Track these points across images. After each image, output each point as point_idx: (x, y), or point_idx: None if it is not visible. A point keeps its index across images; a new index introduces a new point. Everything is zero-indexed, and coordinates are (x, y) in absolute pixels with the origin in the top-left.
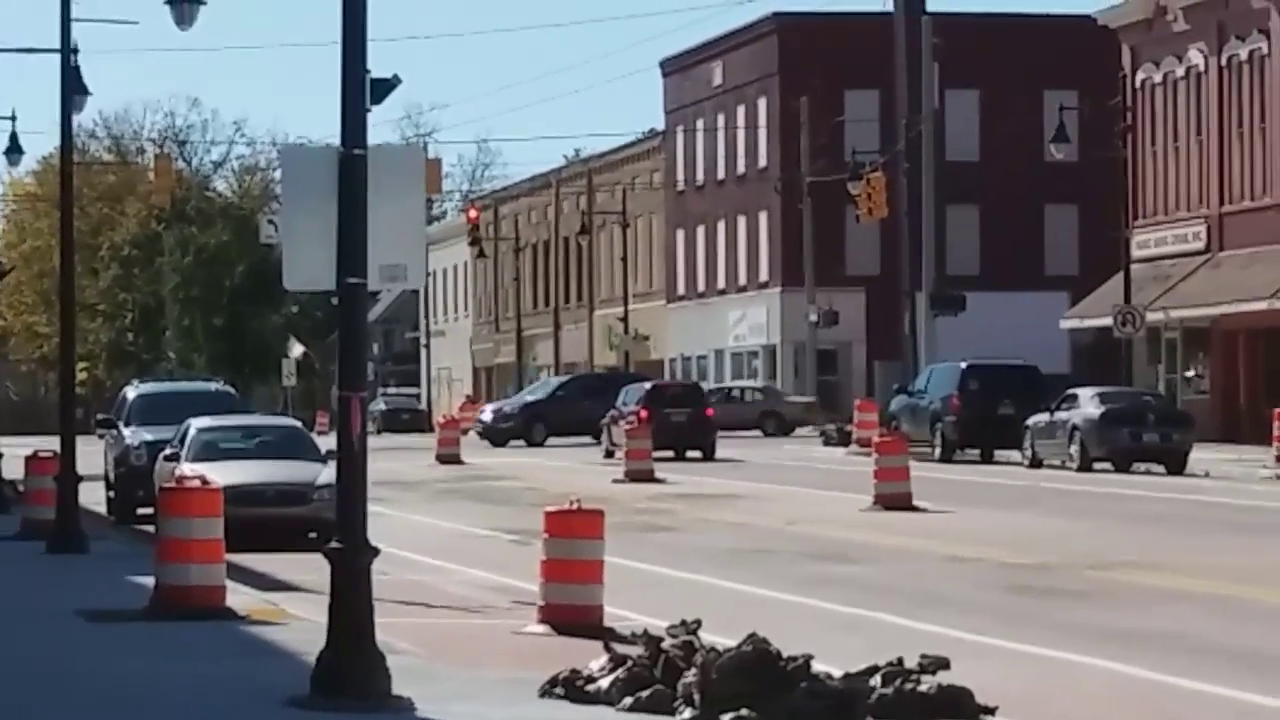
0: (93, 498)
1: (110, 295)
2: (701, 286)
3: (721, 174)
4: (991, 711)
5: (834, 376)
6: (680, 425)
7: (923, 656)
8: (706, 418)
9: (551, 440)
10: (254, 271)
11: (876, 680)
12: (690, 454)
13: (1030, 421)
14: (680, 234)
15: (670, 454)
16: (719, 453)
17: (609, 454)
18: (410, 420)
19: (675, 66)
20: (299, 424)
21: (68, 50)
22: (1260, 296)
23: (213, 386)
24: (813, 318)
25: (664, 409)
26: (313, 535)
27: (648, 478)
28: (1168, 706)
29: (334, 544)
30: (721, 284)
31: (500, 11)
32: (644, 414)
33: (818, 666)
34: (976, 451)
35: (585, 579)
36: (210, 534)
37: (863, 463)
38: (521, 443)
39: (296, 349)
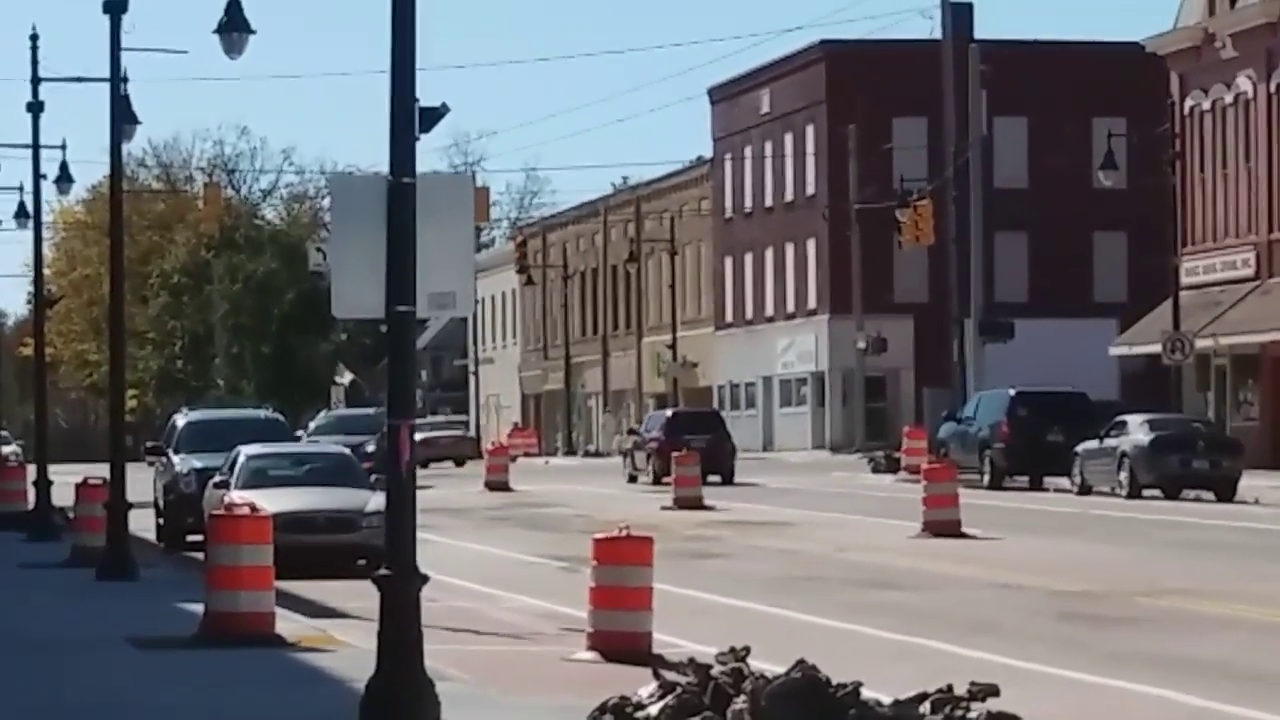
0: (142, 525)
1: (159, 323)
2: (750, 313)
3: (769, 201)
4: None
5: (882, 403)
6: (700, 450)
7: (972, 684)
8: (726, 443)
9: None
10: (302, 299)
11: (926, 708)
12: (711, 478)
13: (1079, 448)
14: (728, 261)
15: None
16: (764, 478)
17: (632, 479)
18: (449, 446)
19: (723, 94)
20: (348, 451)
21: (117, 79)
22: None
23: (262, 414)
24: (861, 345)
25: (684, 435)
26: (362, 562)
27: (696, 504)
28: None
29: (383, 571)
30: (770, 311)
31: (548, 40)
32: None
33: (867, 694)
34: (1025, 478)
35: (634, 606)
36: (260, 561)
37: (911, 489)
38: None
39: (346, 376)
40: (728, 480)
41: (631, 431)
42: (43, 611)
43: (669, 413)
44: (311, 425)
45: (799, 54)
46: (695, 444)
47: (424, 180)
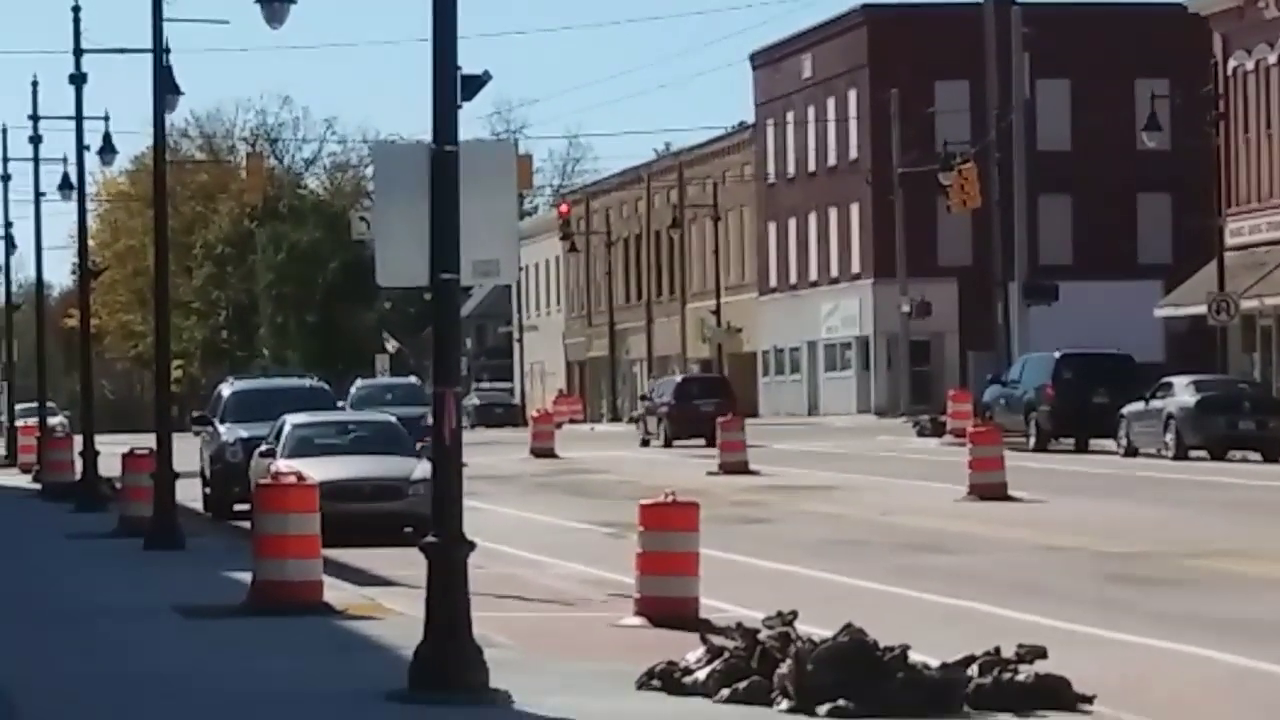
0: (189, 494)
1: (204, 293)
2: (793, 279)
3: (812, 166)
4: (1089, 700)
5: (927, 367)
6: (709, 414)
7: (1020, 646)
8: (734, 406)
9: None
10: (346, 268)
11: (974, 670)
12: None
13: (1125, 410)
14: (772, 226)
15: (701, 441)
16: (810, 443)
17: (644, 443)
18: (504, 414)
19: (765, 59)
20: (394, 419)
21: (160, 50)
22: None
23: (307, 383)
24: (905, 309)
25: (693, 400)
26: (408, 530)
27: (742, 469)
28: (1266, 695)
29: (430, 538)
30: (813, 276)
31: (589, 6)
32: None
33: (915, 657)
34: (1071, 441)
35: (681, 571)
36: (306, 530)
37: (957, 453)
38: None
39: (391, 344)
40: None
41: (644, 398)
42: (91, 581)
43: (679, 378)
44: (352, 392)
45: (840, 18)
46: (704, 408)
47: (467, 148)
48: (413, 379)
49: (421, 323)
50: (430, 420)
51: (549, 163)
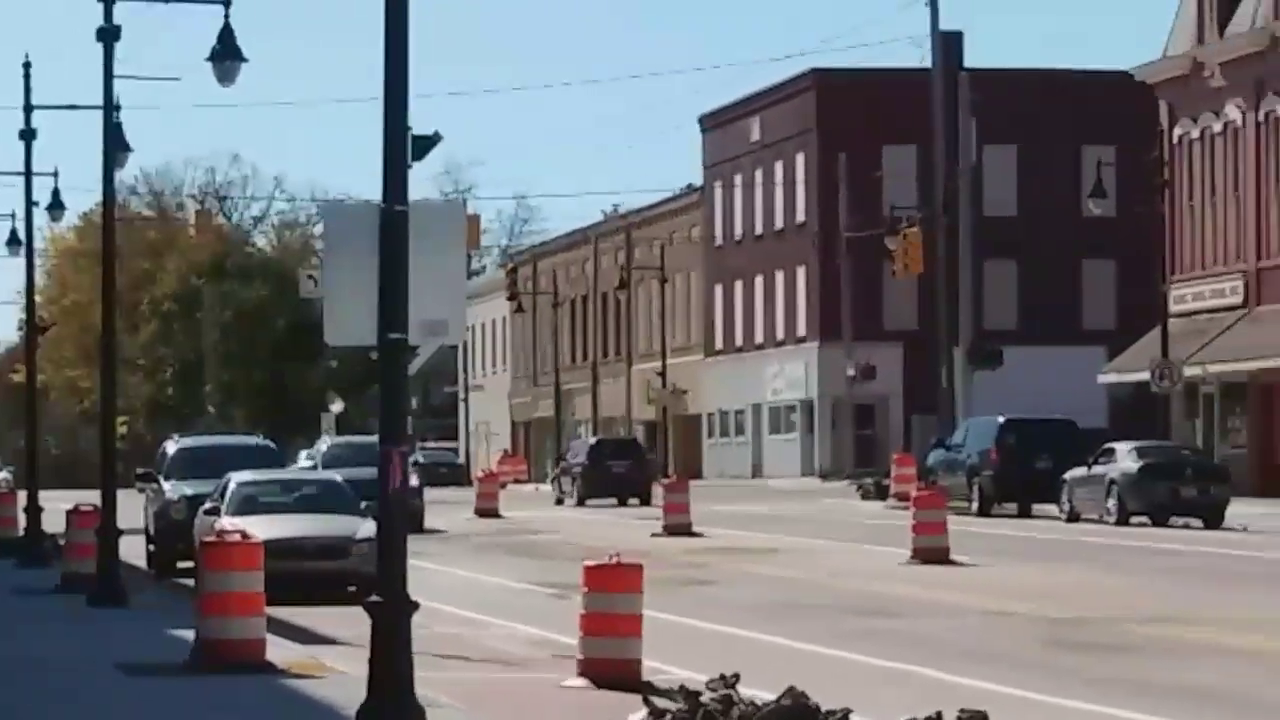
0: (133, 551)
1: (150, 350)
2: (739, 341)
3: (760, 229)
4: None
5: (871, 430)
6: (620, 475)
7: (962, 711)
8: (645, 467)
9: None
10: (293, 327)
11: None
12: (630, 500)
13: (1068, 475)
14: (718, 289)
15: (613, 500)
16: (753, 505)
17: (559, 501)
18: (449, 474)
19: (714, 122)
20: (339, 478)
21: (110, 107)
22: None
23: (253, 441)
24: (850, 372)
25: (606, 460)
26: (353, 589)
27: (686, 531)
28: None
29: (374, 598)
30: (759, 338)
31: (538, 68)
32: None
33: None
34: (1014, 505)
35: (625, 633)
36: (251, 587)
37: (900, 516)
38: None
39: (337, 404)
40: (645, 502)
41: (559, 458)
42: (33, 637)
43: (593, 440)
44: (318, 450)
45: (789, 82)
46: (616, 469)
47: (416, 208)
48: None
49: (368, 381)
50: (413, 481)
51: (497, 223)
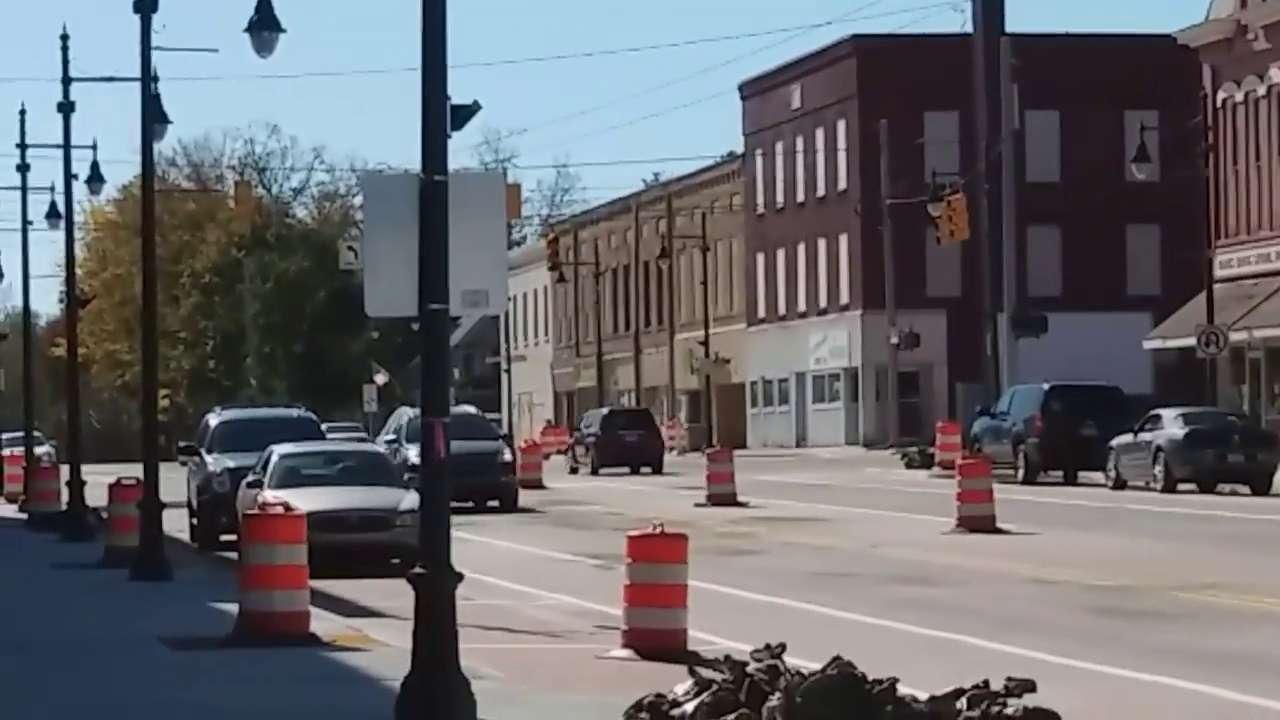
0: (176, 525)
1: (191, 322)
2: (782, 309)
3: (801, 196)
4: None
5: (915, 398)
6: (633, 444)
7: (1008, 679)
8: (656, 437)
9: None
10: (334, 298)
11: (963, 703)
12: (643, 469)
13: (1114, 443)
14: (760, 257)
15: (625, 469)
16: (797, 475)
17: (574, 470)
18: None
19: (754, 90)
20: (381, 450)
21: (148, 79)
22: None
23: (294, 413)
24: (894, 340)
25: (619, 431)
26: (396, 561)
27: (730, 501)
28: None
29: (417, 569)
30: (802, 307)
31: (578, 37)
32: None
33: (903, 690)
34: (1060, 473)
35: (669, 603)
36: (294, 560)
37: (945, 485)
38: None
39: (381, 375)
40: (657, 471)
41: (574, 429)
42: (77, 612)
43: (605, 411)
44: (400, 423)
45: (830, 49)
46: (629, 438)
47: (456, 178)
48: (470, 407)
49: (409, 353)
50: (505, 456)
51: (538, 192)
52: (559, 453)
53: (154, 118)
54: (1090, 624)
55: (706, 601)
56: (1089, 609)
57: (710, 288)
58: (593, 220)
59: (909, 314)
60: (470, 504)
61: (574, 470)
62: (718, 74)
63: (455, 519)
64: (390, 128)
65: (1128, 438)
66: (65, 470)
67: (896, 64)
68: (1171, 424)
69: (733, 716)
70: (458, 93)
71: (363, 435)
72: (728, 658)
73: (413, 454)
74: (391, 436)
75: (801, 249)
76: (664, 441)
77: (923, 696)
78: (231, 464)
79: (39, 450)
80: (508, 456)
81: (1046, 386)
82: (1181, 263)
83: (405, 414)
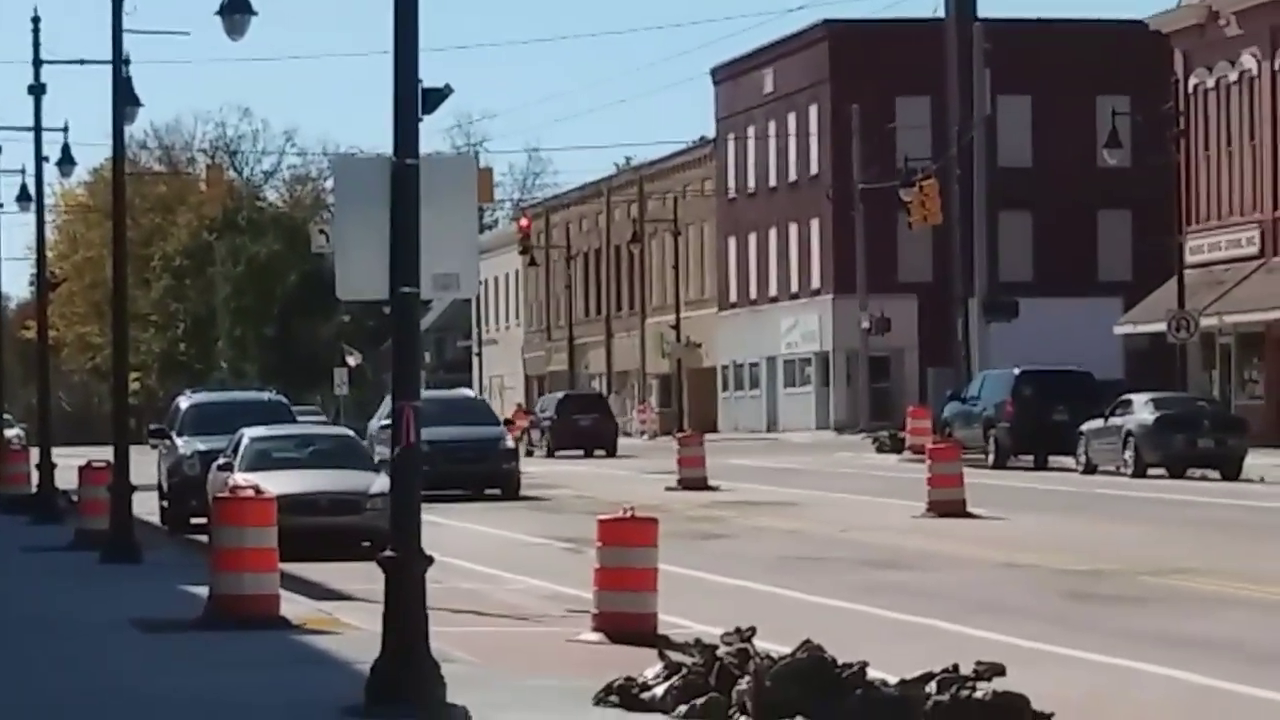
0: (146, 508)
1: (162, 305)
2: (753, 294)
3: (773, 181)
4: (1048, 718)
5: (886, 383)
6: (586, 428)
7: (978, 663)
8: (610, 421)
9: None
10: (305, 281)
11: (932, 687)
12: (596, 451)
13: (1084, 427)
14: (732, 241)
15: (580, 452)
16: (768, 459)
17: (529, 453)
18: None
19: (726, 74)
20: (351, 433)
21: (119, 61)
22: None
23: (265, 396)
24: (865, 324)
25: (573, 415)
26: (366, 544)
27: (701, 485)
28: (1227, 713)
29: (388, 553)
30: (773, 291)
31: (550, 20)
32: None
33: (873, 673)
34: (1030, 458)
35: (639, 587)
36: (264, 543)
37: (916, 469)
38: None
39: (353, 358)
40: (611, 454)
41: (528, 412)
42: (47, 595)
43: (560, 396)
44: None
45: (802, 33)
46: (583, 423)
47: (427, 162)
48: (469, 391)
49: (381, 336)
50: (507, 442)
51: (509, 176)
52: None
53: (125, 100)
54: (1060, 608)
55: (677, 585)
56: (1059, 593)
57: (681, 272)
58: (564, 204)
59: (880, 299)
60: (465, 491)
61: (529, 453)
62: (690, 58)
63: (428, 504)
64: (362, 111)
65: (1098, 423)
66: (35, 453)
67: (869, 49)
68: (1142, 409)
69: (702, 700)
70: (429, 76)
71: (323, 418)
72: (698, 641)
73: None
74: (388, 421)
75: (773, 233)
76: (617, 425)
77: (892, 680)
78: (202, 447)
79: (9, 433)
80: (509, 443)
81: (1017, 371)
82: (1153, 248)
83: None
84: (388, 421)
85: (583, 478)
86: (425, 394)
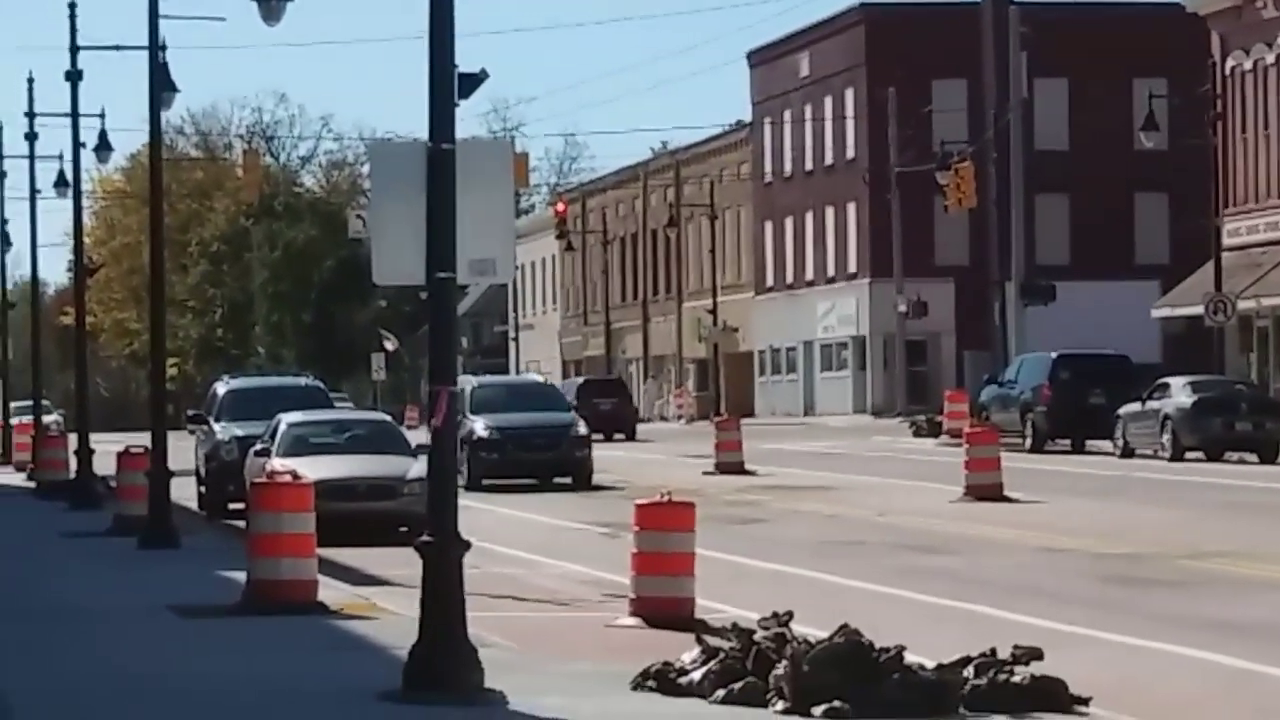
0: (184, 493)
1: (199, 291)
2: (790, 278)
3: (809, 165)
4: (1085, 702)
5: (923, 367)
6: (607, 412)
7: (1016, 647)
8: (629, 405)
9: None
10: (342, 266)
11: (970, 671)
12: (616, 435)
13: (1122, 411)
14: (768, 225)
15: (600, 436)
16: (805, 443)
17: None
18: None
19: (762, 58)
20: (389, 418)
21: (156, 47)
22: None
23: (302, 381)
24: (902, 308)
25: (593, 399)
26: (404, 529)
27: (738, 469)
28: (1265, 697)
29: (425, 538)
30: (810, 275)
31: (586, 5)
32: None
33: (910, 658)
34: (1067, 441)
35: (676, 571)
36: (301, 529)
37: (953, 453)
38: None
39: (390, 343)
40: (630, 438)
41: None
42: (86, 580)
43: (580, 380)
44: (469, 391)
45: (838, 17)
46: (603, 407)
47: (463, 146)
48: (536, 376)
49: (417, 321)
50: (580, 429)
51: (545, 161)
52: None
53: (162, 86)
54: (1098, 592)
55: (714, 570)
56: (1097, 577)
57: (718, 256)
58: (600, 189)
59: (917, 282)
60: (535, 480)
61: None
62: (726, 42)
63: (495, 493)
64: (398, 96)
65: (1135, 406)
66: (73, 439)
67: (905, 32)
68: (1179, 392)
69: (740, 684)
70: (465, 61)
71: (350, 405)
72: (735, 626)
73: (480, 427)
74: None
75: (809, 217)
76: (636, 409)
77: (930, 664)
78: (239, 432)
79: (47, 419)
80: (582, 429)
81: (1054, 355)
82: (1190, 231)
83: (467, 384)
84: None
85: (618, 462)
86: (493, 380)
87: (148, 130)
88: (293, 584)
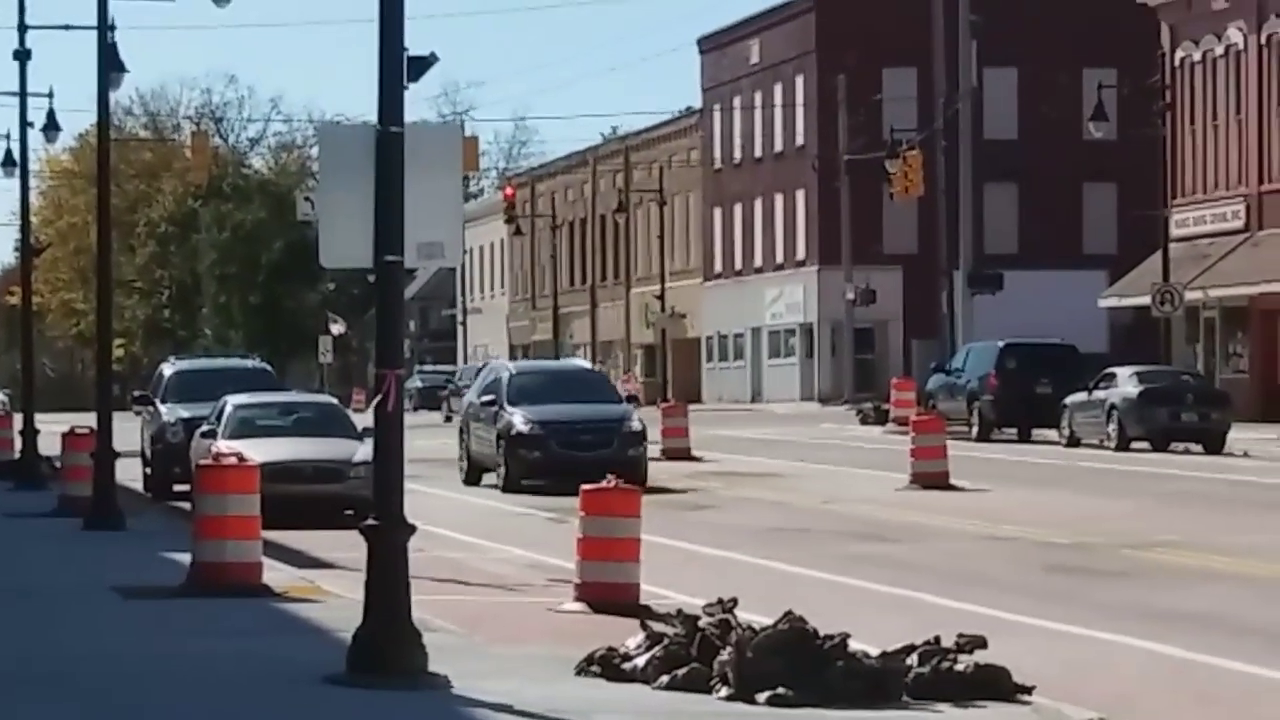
0: (129, 474)
1: (147, 272)
2: (739, 264)
3: (759, 152)
4: (1028, 690)
5: (871, 355)
6: None
7: (960, 635)
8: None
9: None
10: (290, 249)
11: (913, 659)
12: None
13: (1068, 400)
14: (717, 212)
15: None
16: (752, 430)
17: (447, 419)
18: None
19: (713, 44)
20: (335, 401)
21: (105, 27)
22: None
23: (249, 363)
24: (850, 296)
25: None
26: (349, 512)
27: (684, 455)
28: (1206, 686)
29: (370, 521)
30: (759, 262)
31: None
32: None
33: (854, 645)
34: (1014, 430)
35: (622, 557)
36: (247, 511)
37: (900, 441)
38: None
39: (337, 326)
40: None
41: (448, 382)
42: (30, 560)
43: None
44: (498, 378)
45: (789, 4)
46: None
47: (412, 130)
48: (582, 361)
49: (365, 304)
50: (634, 423)
51: (495, 145)
52: None
53: (110, 66)
54: (1043, 581)
55: (660, 556)
56: (1041, 566)
57: (667, 242)
58: (550, 174)
59: (865, 270)
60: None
61: (448, 419)
62: (677, 28)
63: (409, 470)
64: (348, 79)
65: (1082, 396)
66: (19, 419)
67: (856, 20)
68: (1126, 382)
69: (684, 670)
70: (415, 44)
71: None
72: (680, 612)
73: (519, 420)
74: (489, 397)
75: (759, 204)
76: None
77: (874, 652)
78: (185, 414)
79: None
80: (637, 424)
81: (1001, 344)
82: (1138, 221)
83: (503, 370)
84: (490, 397)
85: None
86: (534, 365)
87: (96, 110)
88: (237, 566)
